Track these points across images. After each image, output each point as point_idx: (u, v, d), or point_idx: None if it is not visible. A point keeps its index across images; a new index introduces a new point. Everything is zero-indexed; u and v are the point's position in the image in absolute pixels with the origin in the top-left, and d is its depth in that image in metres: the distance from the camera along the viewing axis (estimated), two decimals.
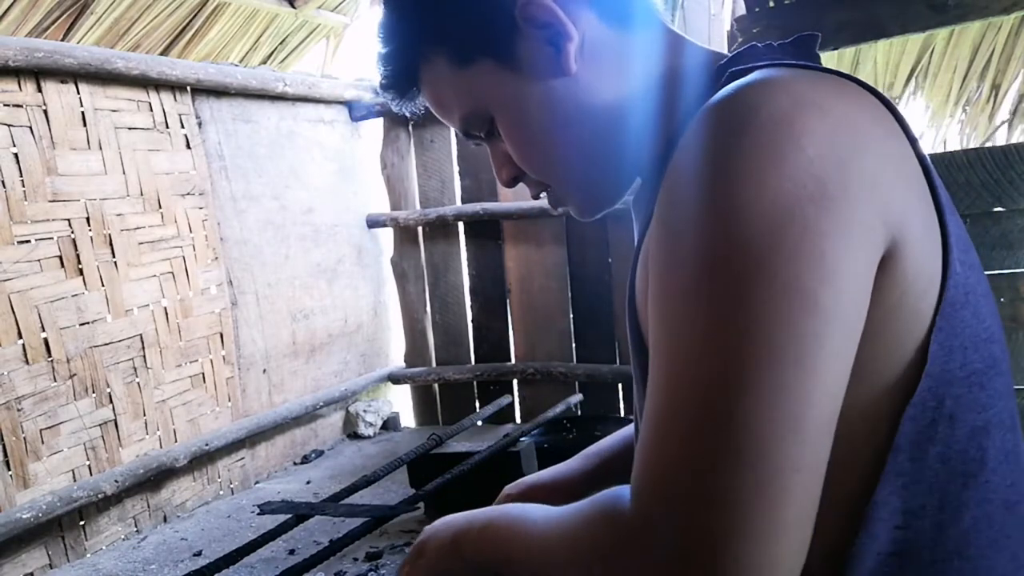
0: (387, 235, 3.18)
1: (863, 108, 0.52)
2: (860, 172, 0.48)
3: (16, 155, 1.89)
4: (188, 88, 2.35)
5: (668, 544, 0.45)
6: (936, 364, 0.52)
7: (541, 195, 0.76)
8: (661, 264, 0.51)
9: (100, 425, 2.08)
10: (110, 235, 2.11)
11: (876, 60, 3.56)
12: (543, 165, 0.71)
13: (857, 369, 0.49)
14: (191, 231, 2.34)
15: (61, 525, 1.97)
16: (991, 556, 0.54)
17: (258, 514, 1.91)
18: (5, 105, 1.87)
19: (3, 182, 1.86)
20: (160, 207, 2.25)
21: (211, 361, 2.41)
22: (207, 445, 2.32)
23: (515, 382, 2.98)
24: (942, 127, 3.80)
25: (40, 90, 1.95)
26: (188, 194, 2.34)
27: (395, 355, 3.27)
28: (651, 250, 0.54)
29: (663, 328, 0.50)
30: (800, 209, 0.46)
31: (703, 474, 0.45)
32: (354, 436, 3.00)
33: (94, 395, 2.06)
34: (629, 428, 0.97)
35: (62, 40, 3.21)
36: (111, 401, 2.11)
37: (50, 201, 1.96)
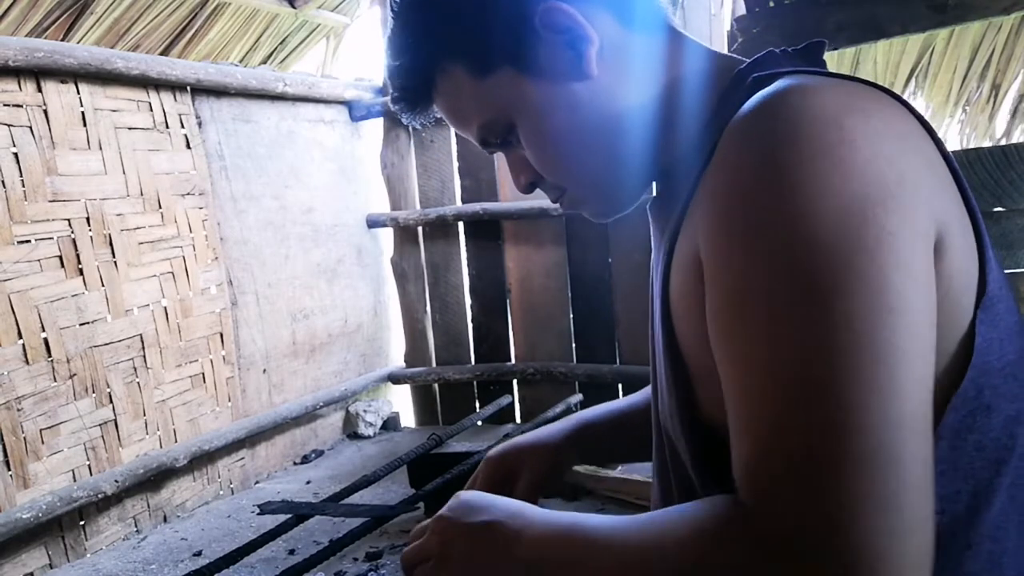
0: (387, 235, 3.18)
1: (896, 112, 0.54)
2: (908, 171, 0.50)
3: (16, 155, 1.89)
4: (188, 88, 2.35)
5: (799, 528, 0.45)
6: (979, 357, 0.53)
7: (558, 201, 0.77)
8: (732, 274, 0.52)
9: (100, 425, 2.08)
10: (110, 235, 2.11)
11: (876, 60, 3.56)
12: (564, 169, 0.72)
13: None
14: (191, 231, 2.34)
15: (61, 525, 1.97)
16: (1015, 537, 0.56)
17: (258, 514, 1.91)
18: (5, 105, 1.87)
19: (3, 182, 1.86)
20: (160, 207, 2.25)
21: (211, 361, 2.41)
22: (207, 445, 2.32)
23: (515, 382, 2.98)
24: (942, 127, 3.80)
25: (40, 90, 1.95)
26: (188, 194, 2.34)
27: (395, 355, 3.27)
28: (713, 262, 0.54)
29: (747, 339, 0.50)
30: (870, 209, 0.47)
31: (823, 471, 0.45)
32: (354, 436, 3.00)
33: (94, 395, 2.06)
34: (615, 402, 0.97)
35: (62, 40, 3.21)
36: (111, 401, 2.11)
37: (50, 201, 1.96)
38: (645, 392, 0.95)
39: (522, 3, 0.65)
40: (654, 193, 0.78)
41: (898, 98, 0.56)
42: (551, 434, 0.95)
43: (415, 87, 0.72)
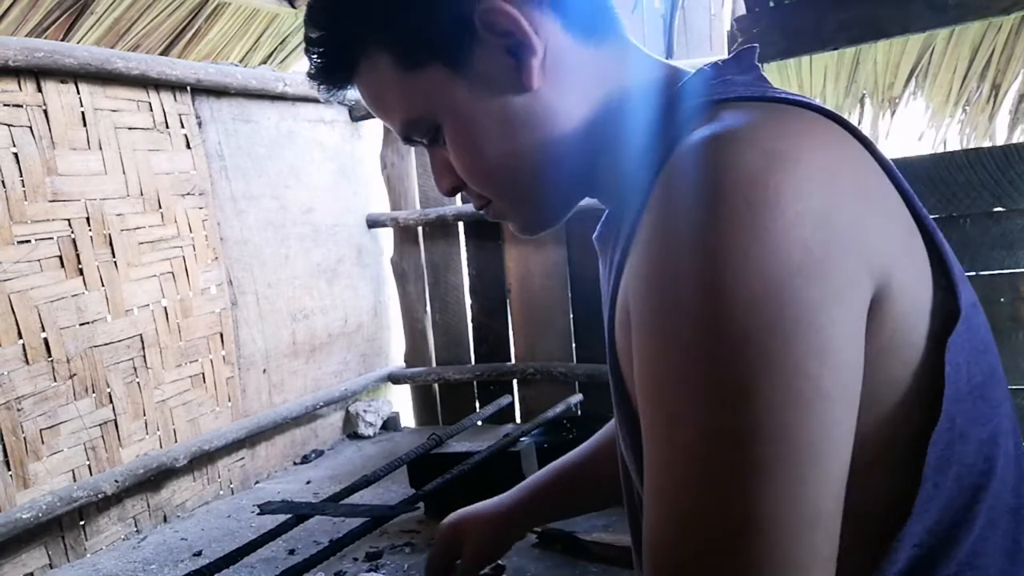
0: (387, 235, 3.18)
1: (831, 145, 0.50)
2: (842, 224, 0.46)
3: (16, 155, 1.89)
4: (188, 88, 2.35)
5: None
6: (949, 387, 0.50)
7: (483, 209, 0.72)
8: (650, 351, 0.49)
9: (100, 425, 2.08)
10: (110, 235, 2.11)
11: (876, 60, 3.56)
12: (489, 182, 0.66)
13: (860, 409, 0.48)
14: (191, 231, 2.34)
15: (61, 525, 1.97)
16: (1000, 563, 0.54)
17: (258, 514, 1.91)
18: (5, 105, 1.87)
19: (3, 182, 1.86)
20: (160, 207, 2.25)
21: (211, 361, 2.41)
22: (207, 445, 2.32)
23: (515, 382, 2.98)
24: (942, 127, 3.79)
25: (40, 90, 1.95)
26: (188, 194, 2.34)
27: (395, 355, 3.27)
28: (636, 331, 0.51)
29: (659, 421, 0.48)
30: (789, 283, 0.44)
31: None
32: (354, 436, 3.00)
33: (94, 395, 2.06)
34: (564, 459, 0.96)
35: (62, 40, 3.20)
36: (111, 401, 2.11)
37: (50, 201, 1.96)
38: (602, 436, 0.93)
39: None
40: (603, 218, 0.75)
41: (832, 116, 0.53)
42: (500, 504, 0.95)
43: (334, 65, 0.66)
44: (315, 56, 0.66)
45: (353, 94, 0.69)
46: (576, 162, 0.65)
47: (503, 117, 0.62)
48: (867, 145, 0.53)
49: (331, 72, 0.66)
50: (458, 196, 2.93)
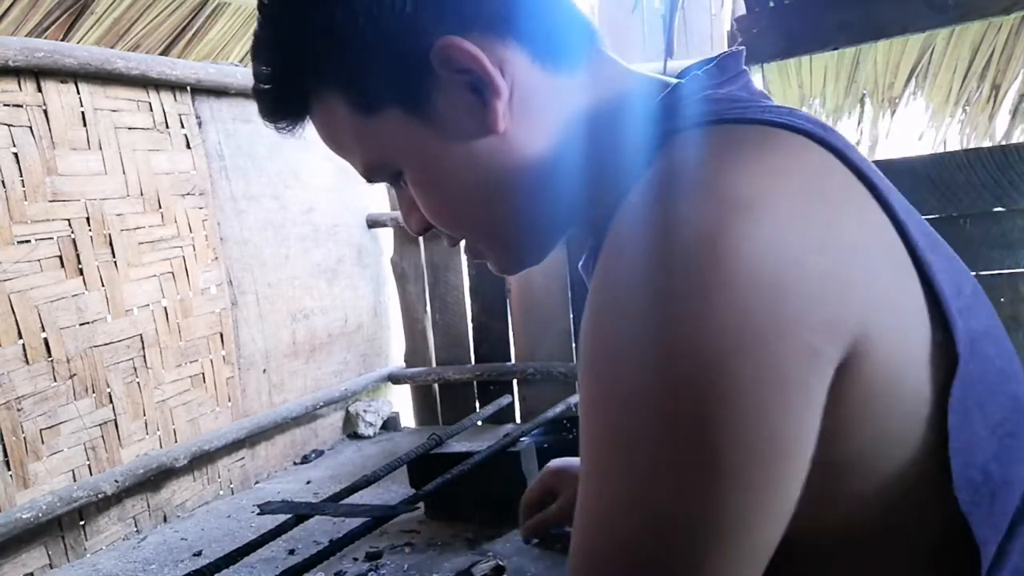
0: (387, 235, 3.18)
1: (809, 180, 0.46)
2: (809, 278, 0.42)
3: (16, 155, 1.89)
4: (188, 88, 2.35)
5: None
6: (958, 439, 0.46)
7: (455, 246, 0.72)
8: (584, 398, 0.48)
9: (100, 425, 2.08)
10: (110, 235, 2.11)
11: (876, 60, 3.56)
12: (459, 226, 0.65)
13: (862, 471, 0.46)
14: (191, 231, 2.34)
15: (61, 525, 1.97)
16: None
17: (258, 514, 1.91)
18: (5, 105, 1.87)
19: (3, 182, 1.86)
20: (160, 207, 2.25)
21: (211, 361, 2.41)
22: (207, 445, 2.32)
23: (515, 382, 2.98)
24: (942, 127, 3.79)
25: (40, 90, 1.95)
26: (188, 194, 2.34)
27: (395, 355, 3.27)
28: (579, 373, 0.50)
29: (589, 473, 0.48)
30: (725, 362, 0.41)
31: None
32: (354, 436, 3.00)
33: (94, 395, 2.06)
34: None
35: (62, 40, 3.20)
36: (111, 401, 2.10)
37: (50, 201, 1.96)
38: None
39: (416, 34, 0.54)
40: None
41: (819, 138, 0.48)
42: None
43: (285, 105, 0.63)
44: (263, 91, 0.62)
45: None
46: (555, 200, 0.61)
47: (468, 162, 0.58)
48: (857, 170, 0.48)
49: (282, 111, 0.63)
50: None
